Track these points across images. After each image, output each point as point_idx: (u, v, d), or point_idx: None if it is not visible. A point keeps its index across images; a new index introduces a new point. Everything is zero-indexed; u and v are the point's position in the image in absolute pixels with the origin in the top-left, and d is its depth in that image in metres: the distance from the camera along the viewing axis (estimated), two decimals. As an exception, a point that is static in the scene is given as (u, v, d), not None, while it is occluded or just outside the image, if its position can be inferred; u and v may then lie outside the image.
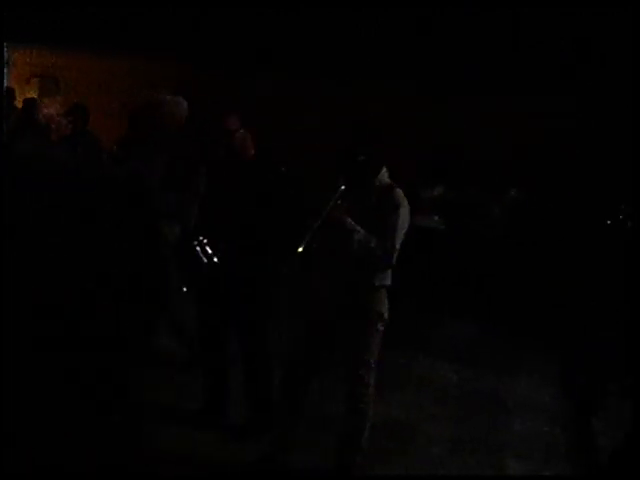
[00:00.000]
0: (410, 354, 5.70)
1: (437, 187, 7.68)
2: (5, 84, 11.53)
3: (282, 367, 3.88)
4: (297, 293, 4.14)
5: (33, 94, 11.70)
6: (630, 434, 3.67)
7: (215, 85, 10.24)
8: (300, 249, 3.43)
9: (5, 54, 12.18)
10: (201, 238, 3.93)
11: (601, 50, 7.75)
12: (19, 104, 9.48)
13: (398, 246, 3.57)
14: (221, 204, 4.10)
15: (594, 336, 5.11)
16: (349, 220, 3.55)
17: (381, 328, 3.69)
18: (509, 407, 5.00)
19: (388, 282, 3.70)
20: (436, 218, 7.50)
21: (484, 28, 8.29)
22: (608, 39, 7.48)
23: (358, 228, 3.54)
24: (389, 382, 4.64)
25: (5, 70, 12.11)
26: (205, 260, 3.91)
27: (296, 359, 3.82)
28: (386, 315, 3.70)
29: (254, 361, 4.18)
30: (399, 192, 3.65)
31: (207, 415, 4.29)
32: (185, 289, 4.36)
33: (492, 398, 5.13)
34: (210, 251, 3.91)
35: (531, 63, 8.17)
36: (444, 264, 7.05)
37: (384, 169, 3.73)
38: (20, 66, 12.31)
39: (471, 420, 4.75)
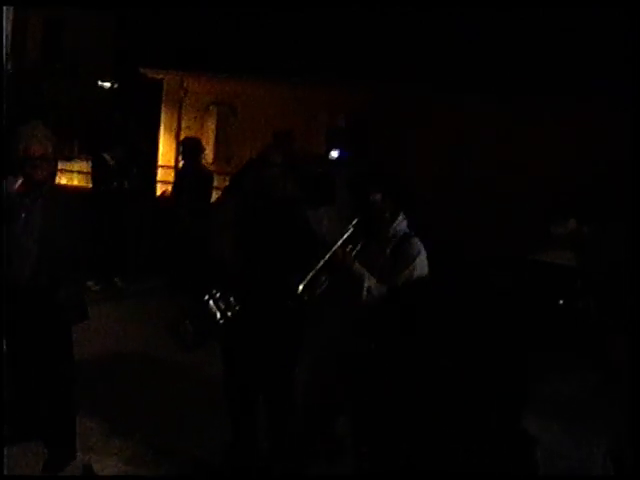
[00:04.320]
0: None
1: (570, 221, 7.32)
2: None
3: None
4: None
5: (211, 122, 12.47)
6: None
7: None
8: (300, 288, 3.15)
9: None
10: (214, 291, 3.60)
11: None
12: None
13: None
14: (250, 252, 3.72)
15: None
16: (357, 265, 3.23)
17: None
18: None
19: None
20: (568, 255, 7.17)
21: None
22: None
23: (368, 275, 3.20)
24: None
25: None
26: (219, 315, 3.58)
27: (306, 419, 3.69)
28: None
29: (280, 409, 3.94)
30: (415, 241, 3.31)
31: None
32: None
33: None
34: (223, 305, 3.57)
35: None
36: (573, 305, 6.77)
37: (401, 216, 3.35)
38: (198, 94, 12.52)
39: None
